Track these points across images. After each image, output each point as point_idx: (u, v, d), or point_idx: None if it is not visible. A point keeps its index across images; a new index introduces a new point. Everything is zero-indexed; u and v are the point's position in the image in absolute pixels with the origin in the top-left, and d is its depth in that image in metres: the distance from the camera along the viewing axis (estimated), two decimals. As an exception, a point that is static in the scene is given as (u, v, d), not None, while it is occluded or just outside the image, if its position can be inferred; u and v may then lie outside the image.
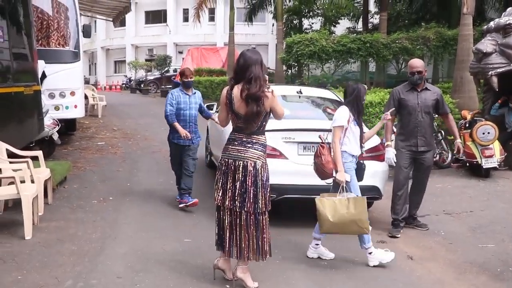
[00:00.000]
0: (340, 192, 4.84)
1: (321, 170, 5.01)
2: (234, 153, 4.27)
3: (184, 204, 6.75)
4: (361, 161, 5.23)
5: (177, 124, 6.70)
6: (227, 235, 4.33)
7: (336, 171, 4.91)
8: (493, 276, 4.84)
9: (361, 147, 5.23)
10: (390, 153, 5.87)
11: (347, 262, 5.10)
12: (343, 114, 5.04)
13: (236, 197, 4.24)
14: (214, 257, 4.56)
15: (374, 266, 4.98)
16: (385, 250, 5.10)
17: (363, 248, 5.05)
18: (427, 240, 5.89)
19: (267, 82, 4.23)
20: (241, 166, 4.21)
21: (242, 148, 4.24)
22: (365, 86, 5.40)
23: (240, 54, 4.38)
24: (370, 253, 5.03)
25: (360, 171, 5.16)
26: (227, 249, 4.34)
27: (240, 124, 4.27)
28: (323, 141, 5.04)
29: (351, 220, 4.74)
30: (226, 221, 4.33)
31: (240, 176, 4.21)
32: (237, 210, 4.25)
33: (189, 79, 6.89)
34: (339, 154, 4.92)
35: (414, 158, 6.11)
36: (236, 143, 4.28)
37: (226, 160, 4.31)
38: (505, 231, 6.16)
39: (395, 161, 5.91)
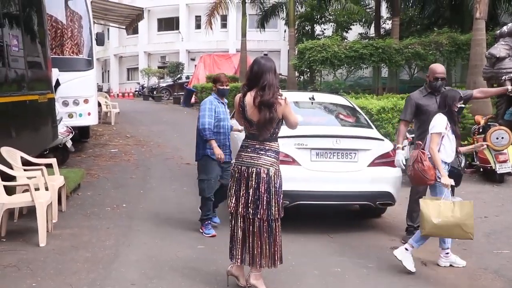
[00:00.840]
0: (445, 196, 4.86)
1: (420, 175, 5.02)
2: (247, 160, 4.28)
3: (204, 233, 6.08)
4: (456, 167, 5.18)
5: (214, 142, 5.91)
6: (240, 242, 4.34)
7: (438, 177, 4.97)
8: (509, 282, 4.79)
9: (457, 155, 5.19)
10: (400, 156, 5.89)
11: (360, 268, 5.08)
12: (441, 121, 5.05)
13: (249, 204, 4.25)
14: (227, 263, 4.56)
15: (389, 266, 5.03)
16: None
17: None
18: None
19: (279, 89, 4.24)
20: (254, 173, 4.23)
21: (255, 155, 4.25)
22: (460, 91, 5.38)
23: (253, 61, 4.37)
24: (406, 249, 5.06)
25: (452, 176, 5.10)
26: (239, 256, 4.35)
27: (253, 131, 4.28)
28: (423, 147, 5.13)
29: (455, 223, 4.75)
30: (240, 228, 4.34)
31: (253, 183, 4.23)
32: (250, 217, 4.26)
33: (225, 87, 6.19)
34: (439, 159, 4.95)
35: None
36: (249, 150, 4.29)
37: (239, 167, 4.32)
38: (521, 237, 6.11)
39: (404, 164, 5.87)
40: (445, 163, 5.07)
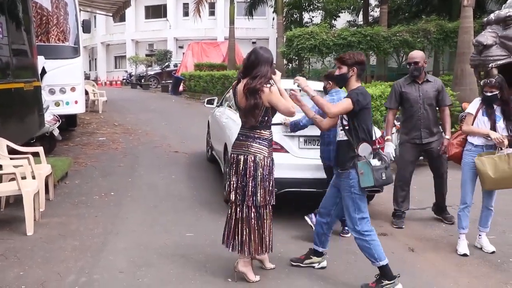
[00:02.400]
0: (498, 150, 4.97)
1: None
2: (238, 148, 4.35)
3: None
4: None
5: None
6: (232, 228, 4.38)
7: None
8: (494, 267, 4.86)
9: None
10: (390, 148, 5.86)
11: (348, 254, 5.11)
12: (473, 103, 5.28)
13: (237, 191, 4.30)
14: (216, 251, 4.58)
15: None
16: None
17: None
18: (428, 232, 5.90)
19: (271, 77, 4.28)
20: (241, 160, 4.28)
21: (246, 143, 4.31)
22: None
23: (252, 50, 4.41)
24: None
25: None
26: (226, 240, 4.42)
27: (243, 118, 4.35)
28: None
29: None
30: (233, 214, 4.39)
31: (241, 170, 4.27)
32: (238, 203, 4.31)
33: None
34: (475, 129, 5.14)
35: (421, 150, 6.14)
36: (241, 138, 4.36)
37: (232, 155, 4.40)
38: (505, 223, 6.18)
39: (394, 156, 5.91)
40: (472, 144, 5.18)
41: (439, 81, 6.25)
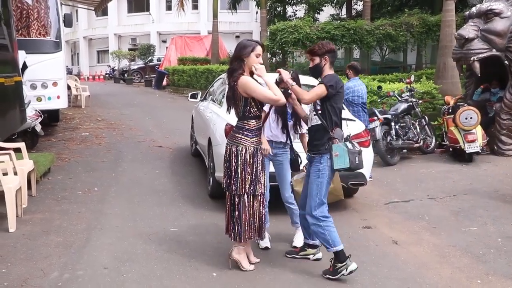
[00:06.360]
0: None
1: None
2: (229, 138, 4.53)
3: None
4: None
5: None
6: (227, 214, 4.55)
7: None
8: (476, 258, 4.91)
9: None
10: None
11: (332, 248, 5.13)
12: None
13: (226, 179, 4.47)
14: (200, 245, 4.57)
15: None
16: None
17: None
18: (412, 224, 5.95)
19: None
20: (228, 150, 4.45)
21: (234, 134, 4.47)
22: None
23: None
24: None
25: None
26: (226, 225, 4.58)
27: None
28: None
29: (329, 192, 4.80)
30: (227, 201, 4.54)
31: (227, 159, 4.45)
32: (226, 190, 4.50)
33: None
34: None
35: None
36: (234, 129, 4.53)
37: (225, 144, 4.55)
38: (487, 214, 6.24)
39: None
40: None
41: None
